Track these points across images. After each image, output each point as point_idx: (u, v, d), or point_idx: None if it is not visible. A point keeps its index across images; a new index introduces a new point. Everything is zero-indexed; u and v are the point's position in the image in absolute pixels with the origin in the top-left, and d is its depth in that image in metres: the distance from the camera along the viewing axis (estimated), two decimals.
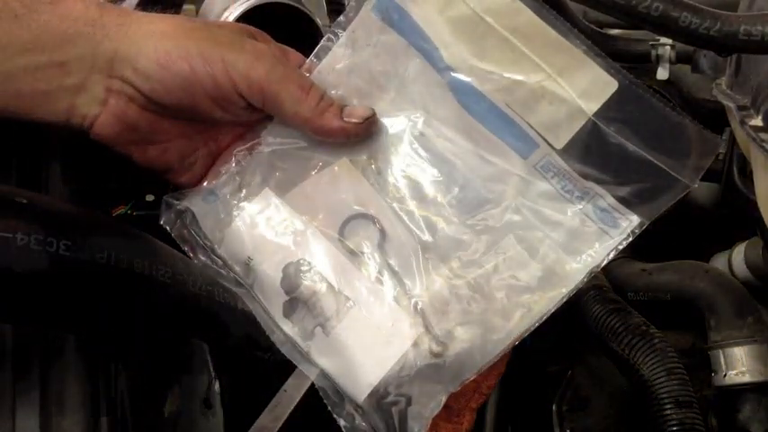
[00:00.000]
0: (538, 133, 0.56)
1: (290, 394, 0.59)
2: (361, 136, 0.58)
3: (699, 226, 1.06)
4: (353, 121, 0.57)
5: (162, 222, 0.60)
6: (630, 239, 0.56)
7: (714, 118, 0.80)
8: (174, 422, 0.64)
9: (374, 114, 0.58)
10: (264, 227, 0.58)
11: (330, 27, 0.61)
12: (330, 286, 0.56)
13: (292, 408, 0.58)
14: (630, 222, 0.56)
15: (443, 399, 0.55)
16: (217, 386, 0.63)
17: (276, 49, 0.59)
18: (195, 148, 0.60)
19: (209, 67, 0.54)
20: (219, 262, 0.59)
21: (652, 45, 0.94)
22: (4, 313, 0.47)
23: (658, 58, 0.94)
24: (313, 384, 0.57)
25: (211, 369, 0.64)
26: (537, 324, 0.56)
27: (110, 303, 0.51)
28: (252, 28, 0.60)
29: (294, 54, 0.61)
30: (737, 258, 0.93)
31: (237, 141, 0.60)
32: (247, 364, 0.64)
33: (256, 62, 0.55)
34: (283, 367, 0.59)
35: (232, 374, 0.65)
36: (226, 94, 0.55)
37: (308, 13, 0.78)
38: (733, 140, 0.78)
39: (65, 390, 0.55)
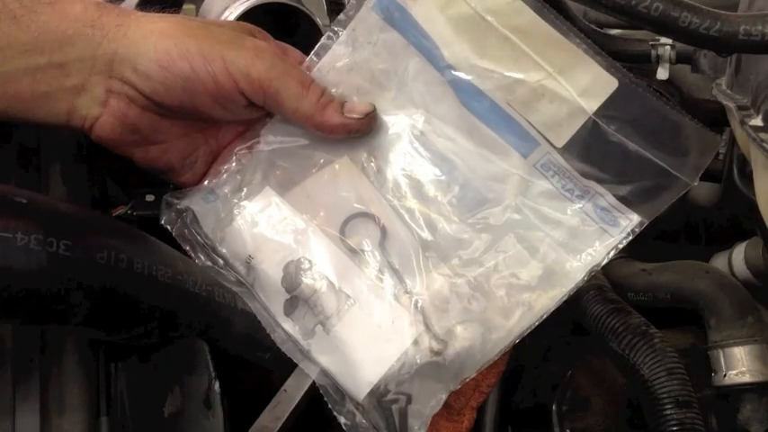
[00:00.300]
0: (538, 132, 0.56)
1: (290, 394, 0.59)
2: (362, 132, 0.58)
3: (699, 226, 1.06)
4: (354, 116, 0.57)
5: (162, 222, 0.60)
6: (631, 238, 0.56)
7: (714, 118, 0.80)
8: (174, 422, 0.64)
9: (375, 110, 0.58)
10: (265, 225, 0.58)
11: (330, 26, 0.61)
12: (331, 284, 0.56)
13: (292, 408, 0.58)
14: (631, 221, 0.56)
15: (443, 397, 0.56)
16: (217, 386, 0.63)
17: (276, 46, 0.59)
18: (196, 147, 0.60)
19: (210, 66, 0.53)
20: (220, 261, 0.59)
21: (652, 45, 0.94)
22: (4, 313, 0.47)
23: (658, 58, 0.93)
24: (313, 384, 0.57)
25: (211, 369, 0.64)
26: (537, 323, 0.56)
27: (109, 303, 0.50)
28: (251, 26, 0.60)
29: (293, 52, 0.61)
30: (737, 258, 0.93)
31: (238, 140, 0.60)
32: (247, 364, 0.64)
33: (256, 59, 0.55)
34: (284, 367, 0.59)
35: (232, 374, 0.65)
36: (226, 93, 0.55)
37: (308, 12, 0.78)
38: (733, 140, 0.78)
39: (65, 390, 0.55)
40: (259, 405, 0.59)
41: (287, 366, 0.58)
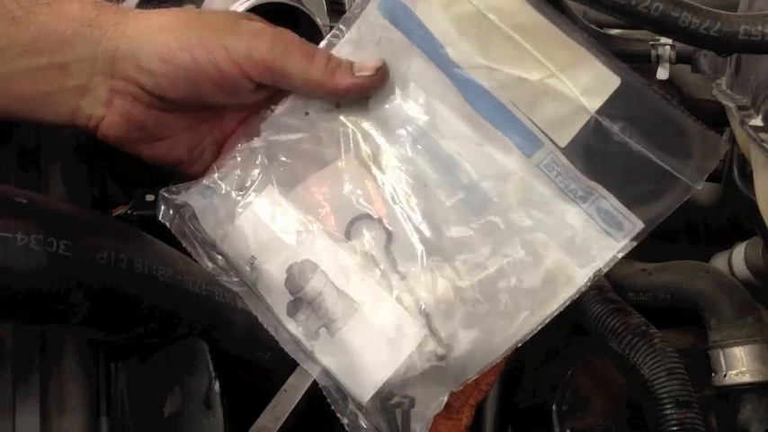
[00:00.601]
0: (542, 131, 0.56)
1: (291, 394, 0.59)
2: (375, 89, 0.57)
3: (699, 226, 1.06)
4: (366, 73, 0.56)
5: (159, 218, 0.59)
6: (635, 244, 0.55)
7: (714, 118, 0.80)
8: (174, 422, 0.64)
9: (385, 64, 0.57)
10: (268, 224, 0.58)
11: (332, 26, 0.60)
12: (335, 287, 0.56)
13: (292, 408, 0.58)
14: (634, 226, 0.55)
15: (445, 398, 0.55)
16: (217, 386, 0.63)
17: (273, 29, 0.59)
18: (201, 138, 0.59)
19: (211, 55, 0.53)
20: (220, 259, 0.58)
21: (652, 45, 0.94)
22: (4, 313, 0.47)
23: (658, 58, 0.94)
24: (314, 384, 0.57)
25: (211, 369, 0.64)
26: (540, 327, 0.56)
27: (109, 303, 0.51)
28: (248, 14, 0.60)
29: (291, 35, 0.60)
30: (737, 258, 0.94)
31: (239, 136, 0.60)
32: (247, 364, 0.64)
33: (256, 41, 0.54)
34: (284, 367, 0.59)
35: (232, 374, 0.65)
36: (231, 80, 0.55)
37: (308, 12, 0.78)
38: (733, 140, 0.78)
39: (65, 390, 0.55)
40: (259, 405, 0.59)
41: (287, 366, 0.58)
